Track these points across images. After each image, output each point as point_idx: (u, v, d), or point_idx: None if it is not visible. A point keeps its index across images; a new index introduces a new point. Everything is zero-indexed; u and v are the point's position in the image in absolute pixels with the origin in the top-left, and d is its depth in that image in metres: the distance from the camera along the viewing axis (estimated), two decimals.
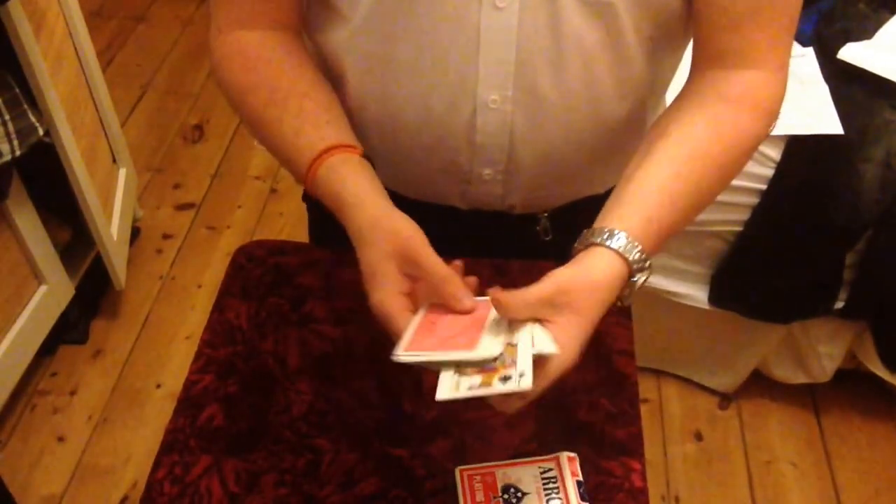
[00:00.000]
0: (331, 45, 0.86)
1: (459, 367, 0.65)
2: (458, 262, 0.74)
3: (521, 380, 0.62)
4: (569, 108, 0.83)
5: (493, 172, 0.89)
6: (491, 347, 0.65)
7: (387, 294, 0.70)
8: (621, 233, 0.70)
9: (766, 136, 0.81)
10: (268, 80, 0.83)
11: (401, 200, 0.96)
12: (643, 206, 0.73)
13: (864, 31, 1.69)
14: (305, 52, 0.86)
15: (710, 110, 0.78)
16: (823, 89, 1.60)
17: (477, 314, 0.70)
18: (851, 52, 1.62)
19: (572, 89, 0.81)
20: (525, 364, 0.63)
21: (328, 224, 0.80)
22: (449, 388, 0.64)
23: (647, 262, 0.71)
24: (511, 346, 0.66)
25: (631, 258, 0.70)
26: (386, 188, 0.96)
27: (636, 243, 0.70)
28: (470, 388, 0.63)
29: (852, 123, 1.53)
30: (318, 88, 0.84)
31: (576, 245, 0.73)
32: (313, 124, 0.80)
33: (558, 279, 0.68)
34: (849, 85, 1.61)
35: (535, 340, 0.65)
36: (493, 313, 0.69)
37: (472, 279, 0.73)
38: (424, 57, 0.80)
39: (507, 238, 0.97)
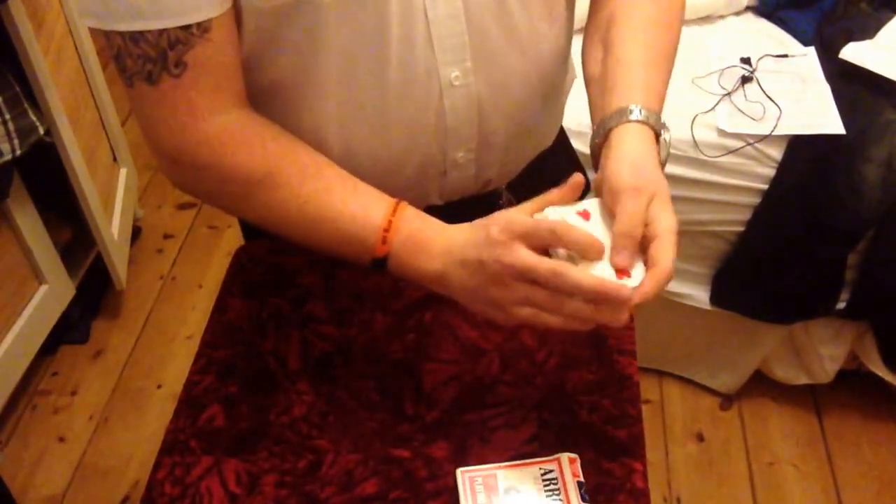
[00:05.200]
0: (288, 75, 0.80)
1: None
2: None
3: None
4: (519, 58, 0.85)
5: (467, 152, 0.88)
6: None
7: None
8: (632, 105, 0.75)
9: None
10: (291, 157, 0.76)
11: None
12: (636, 80, 0.78)
13: (866, 30, 1.68)
14: None
15: None
16: (825, 89, 1.60)
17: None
18: (853, 52, 1.62)
19: (520, 40, 0.83)
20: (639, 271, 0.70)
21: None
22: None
23: (664, 121, 0.77)
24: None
25: (652, 122, 0.75)
26: None
27: (650, 109, 0.76)
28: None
29: (854, 123, 1.53)
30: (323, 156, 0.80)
31: (594, 140, 0.78)
32: (364, 184, 0.78)
33: (623, 168, 0.71)
34: (851, 85, 1.61)
35: None
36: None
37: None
38: (382, 57, 0.78)
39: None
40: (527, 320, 0.70)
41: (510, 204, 1.00)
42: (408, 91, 0.81)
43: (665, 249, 0.68)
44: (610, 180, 0.72)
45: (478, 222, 0.72)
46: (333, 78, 0.79)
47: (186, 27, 0.69)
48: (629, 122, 0.75)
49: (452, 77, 0.81)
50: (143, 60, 0.71)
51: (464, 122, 0.85)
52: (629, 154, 0.73)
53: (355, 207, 0.75)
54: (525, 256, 0.68)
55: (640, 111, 0.75)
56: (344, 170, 0.78)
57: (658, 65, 0.82)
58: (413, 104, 0.82)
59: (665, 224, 0.69)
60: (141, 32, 0.69)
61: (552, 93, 0.95)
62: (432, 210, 0.92)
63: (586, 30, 0.89)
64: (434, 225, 0.76)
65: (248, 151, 0.75)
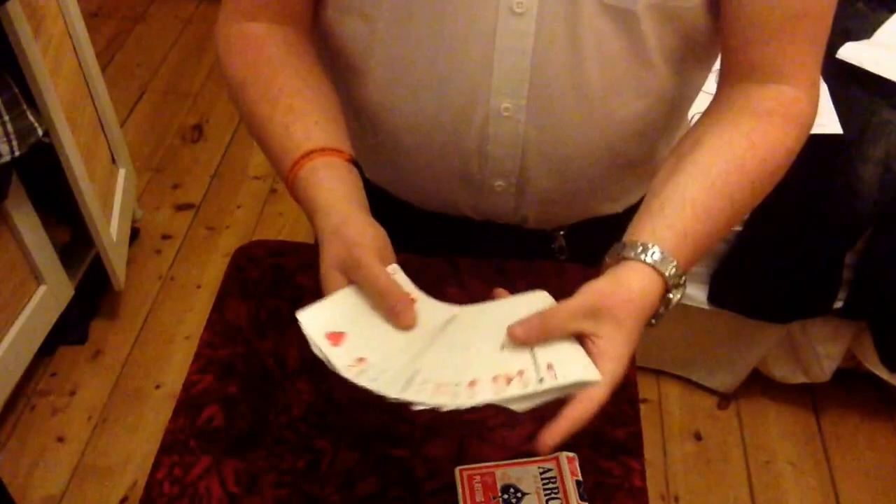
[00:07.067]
0: (351, 46, 0.84)
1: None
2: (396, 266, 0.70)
3: (588, 371, 0.62)
4: (584, 117, 0.81)
5: (506, 185, 0.88)
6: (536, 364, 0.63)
7: None
8: (655, 247, 0.67)
9: (798, 151, 0.78)
10: (264, 76, 0.80)
11: (413, 211, 0.95)
12: (677, 220, 0.70)
13: (863, 30, 1.69)
14: (308, 50, 0.84)
15: (744, 124, 0.75)
16: (822, 89, 1.60)
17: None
18: (850, 52, 1.62)
19: (589, 98, 0.80)
20: (580, 359, 0.62)
21: None
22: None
23: (683, 279, 0.69)
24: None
25: (667, 273, 0.67)
26: (398, 199, 0.95)
27: (671, 258, 0.68)
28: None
29: (851, 123, 1.53)
30: (312, 87, 0.80)
31: (606, 259, 0.70)
32: (302, 124, 0.77)
33: (594, 289, 0.65)
34: (848, 85, 1.61)
35: (577, 367, 0.63)
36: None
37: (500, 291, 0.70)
38: (439, 61, 0.78)
39: (521, 255, 0.94)
40: None
41: (560, 253, 0.98)
42: (453, 101, 0.81)
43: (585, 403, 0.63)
44: (596, 298, 0.65)
45: (361, 233, 0.69)
46: (383, 61, 0.81)
47: None
48: (643, 262, 0.67)
49: (502, 107, 0.80)
50: None
51: (506, 154, 0.84)
52: (626, 289, 0.66)
53: (278, 148, 0.78)
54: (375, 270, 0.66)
55: (663, 257, 0.67)
56: (306, 101, 0.79)
57: (715, 215, 0.72)
58: (456, 116, 0.82)
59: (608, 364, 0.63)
60: None
61: (624, 166, 0.89)
62: (469, 225, 0.92)
63: (696, 122, 0.80)
64: (323, 194, 0.73)
65: (241, 58, 0.82)
